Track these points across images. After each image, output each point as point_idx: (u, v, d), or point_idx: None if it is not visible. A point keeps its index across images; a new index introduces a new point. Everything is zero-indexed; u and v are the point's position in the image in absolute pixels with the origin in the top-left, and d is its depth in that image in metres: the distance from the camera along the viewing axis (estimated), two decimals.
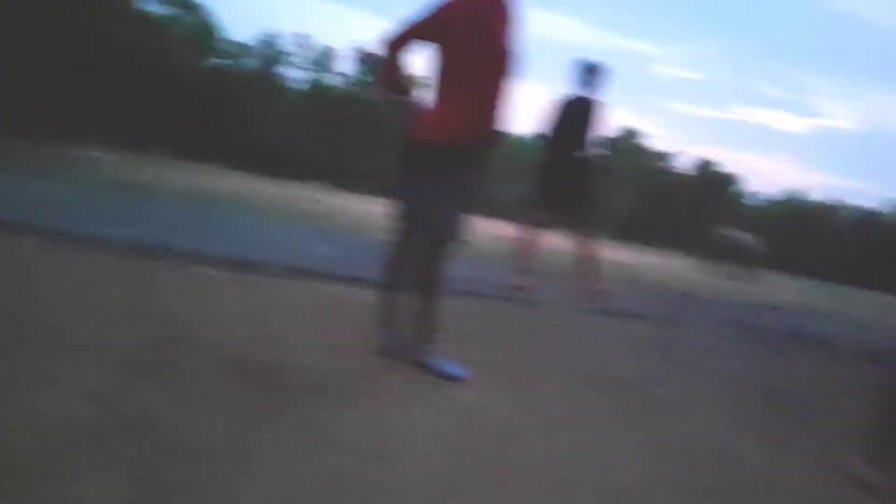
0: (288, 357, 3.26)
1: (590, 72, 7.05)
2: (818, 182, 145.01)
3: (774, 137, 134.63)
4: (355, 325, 4.00)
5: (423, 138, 3.16)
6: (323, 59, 63.98)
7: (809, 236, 73.10)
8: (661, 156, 77.04)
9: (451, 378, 3.29)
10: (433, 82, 3.18)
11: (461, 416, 2.91)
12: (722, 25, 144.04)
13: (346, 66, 65.57)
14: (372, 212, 18.88)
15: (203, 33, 57.69)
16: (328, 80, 65.37)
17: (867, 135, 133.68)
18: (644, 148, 74.79)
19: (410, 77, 3.24)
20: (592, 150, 7.16)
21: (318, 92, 64.34)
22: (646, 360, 5.06)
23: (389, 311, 3.43)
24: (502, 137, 3.30)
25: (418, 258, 3.29)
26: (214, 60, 60.79)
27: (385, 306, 3.44)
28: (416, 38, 3.14)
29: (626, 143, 72.76)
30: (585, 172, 7.19)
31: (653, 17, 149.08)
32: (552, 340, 5.20)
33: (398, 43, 3.16)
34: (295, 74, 65.04)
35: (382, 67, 3.20)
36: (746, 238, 24.76)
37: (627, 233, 69.88)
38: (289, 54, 63.28)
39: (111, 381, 2.49)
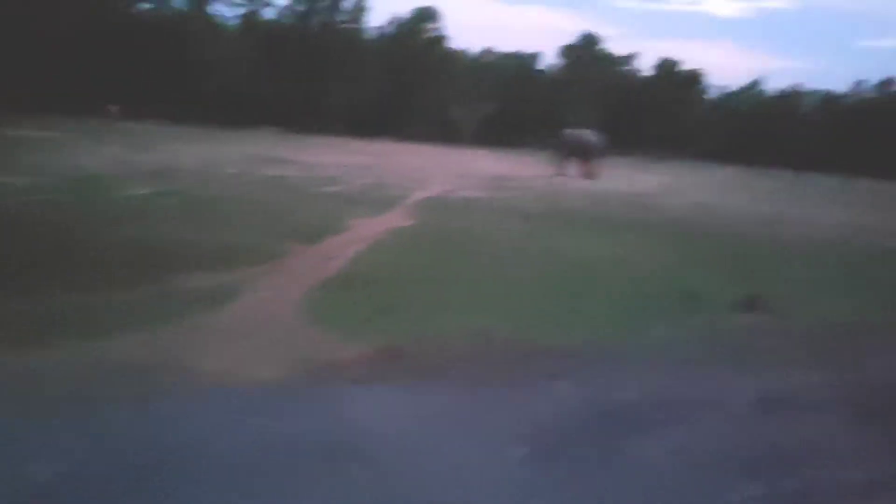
0: None
1: None
2: (760, 66, 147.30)
3: (711, 23, 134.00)
4: None
5: None
6: None
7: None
8: (622, 60, 77.35)
9: None
10: None
11: None
12: None
13: None
14: None
15: None
16: (265, 12, 64.15)
17: (801, 12, 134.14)
18: (605, 54, 74.98)
19: None
20: None
21: (253, 27, 63.26)
22: None
23: None
24: None
25: None
26: (141, 4, 59.36)
27: None
28: None
29: (588, 52, 72.92)
30: None
31: None
32: None
33: None
34: (227, 10, 63.71)
35: None
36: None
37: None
38: None
39: None
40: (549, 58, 77.67)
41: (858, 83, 77.50)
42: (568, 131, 28.32)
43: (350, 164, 23.47)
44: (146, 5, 60.55)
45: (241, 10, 63.81)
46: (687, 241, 11.54)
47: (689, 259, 9.76)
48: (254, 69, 60.15)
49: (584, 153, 26.84)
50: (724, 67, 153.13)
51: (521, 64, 77.13)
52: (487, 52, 79.61)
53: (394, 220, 11.54)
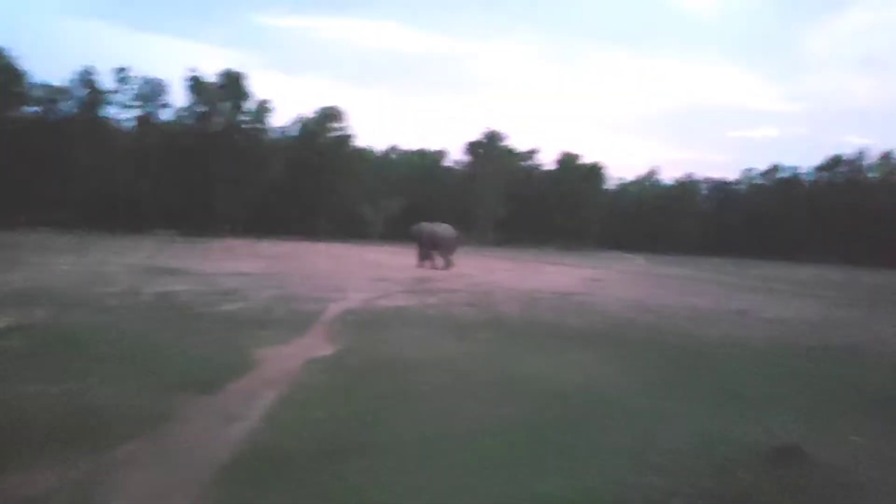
0: None
1: None
2: (651, 158, 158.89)
3: (600, 120, 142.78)
4: None
5: None
6: (150, 94, 60.43)
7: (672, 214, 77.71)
8: (525, 155, 79.26)
9: None
10: None
11: None
12: (538, 14, 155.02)
13: (177, 98, 62.56)
14: None
15: (6, 78, 52.78)
16: (158, 115, 61.87)
17: (682, 110, 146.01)
18: (509, 150, 76.60)
19: None
20: None
21: (148, 129, 60.77)
22: None
23: None
24: None
25: None
26: (25, 109, 56.01)
27: None
28: None
29: (492, 147, 74.28)
30: None
31: (469, 13, 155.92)
32: None
33: None
34: (120, 113, 60.97)
35: None
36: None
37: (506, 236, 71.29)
38: (111, 92, 59.21)
39: None
40: (455, 153, 78.93)
41: (747, 170, 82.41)
42: (422, 225, 30.03)
43: (253, 271, 21.29)
44: (32, 109, 57.13)
45: (136, 113, 61.30)
46: (655, 356, 10.01)
47: (673, 384, 8.20)
48: (148, 172, 57.32)
49: (438, 245, 28.84)
50: (616, 160, 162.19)
51: (427, 160, 77.69)
52: (393, 150, 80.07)
53: (311, 346, 9.52)
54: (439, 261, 28.44)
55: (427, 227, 29.67)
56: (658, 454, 5.37)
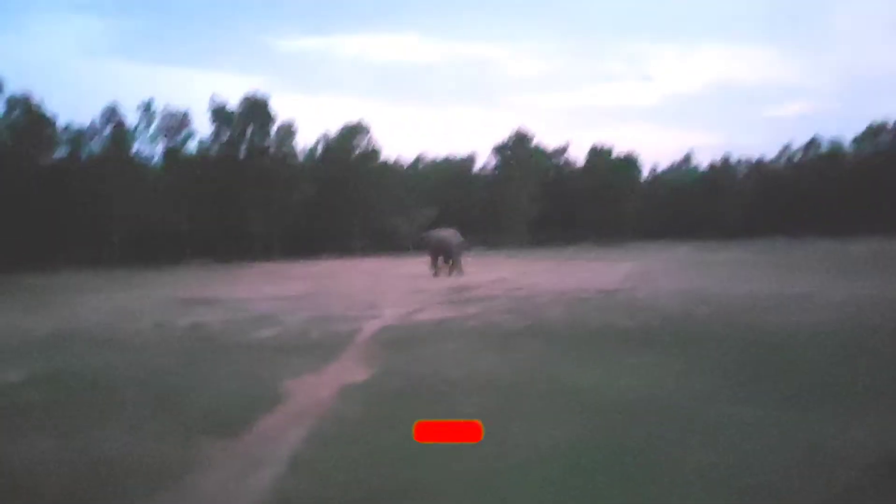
0: None
1: None
2: (681, 145, 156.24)
3: (628, 111, 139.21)
4: None
5: None
6: (174, 126, 60.95)
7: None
8: (555, 152, 78.18)
9: None
10: None
11: None
12: (556, 14, 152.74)
13: (202, 128, 62.96)
14: None
15: (34, 124, 53.67)
16: (185, 146, 62.39)
17: (711, 93, 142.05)
18: (538, 149, 75.61)
19: None
20: None
21: (176, 161, 61.26)
22: None
23: None
24: None
25: None
26: (57, 154, 56.98)
27: None
28: None
29: (521, 148, 73.40)
30: None
31: (486, 18, 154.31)
32: None
33: None
34: (146, 148, 61.55)
35: None
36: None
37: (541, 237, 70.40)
38: (136, 128, 59.87)
39: None
40: (483, 157, 78.11)
41: (785, 147, 79.94)
42: (430, 232, 30.27)
43: (287, 294, 20.83)
44: (61, 152, 58.04)
45: (163, 147, 61.83)
46: (722, 354, 9.15)
47: (750, 385, 7.36)
48: (180, 203, 57.67)
49: (445, 251, 28.21)
50: (648, 150, 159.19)
51: (455, 167, 77.09)
52: (421, 160, 79.66)
53: (345, 371, 8.90)
54: (446, 267, 28.04)
55: (434, 234, 29.69)
56: (754, 473, 4.59)
